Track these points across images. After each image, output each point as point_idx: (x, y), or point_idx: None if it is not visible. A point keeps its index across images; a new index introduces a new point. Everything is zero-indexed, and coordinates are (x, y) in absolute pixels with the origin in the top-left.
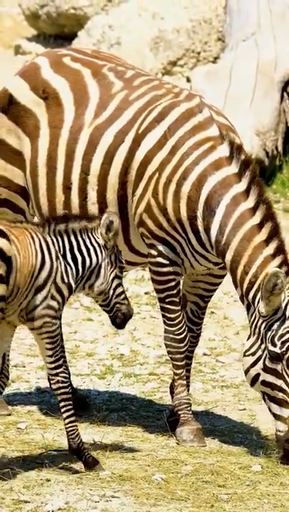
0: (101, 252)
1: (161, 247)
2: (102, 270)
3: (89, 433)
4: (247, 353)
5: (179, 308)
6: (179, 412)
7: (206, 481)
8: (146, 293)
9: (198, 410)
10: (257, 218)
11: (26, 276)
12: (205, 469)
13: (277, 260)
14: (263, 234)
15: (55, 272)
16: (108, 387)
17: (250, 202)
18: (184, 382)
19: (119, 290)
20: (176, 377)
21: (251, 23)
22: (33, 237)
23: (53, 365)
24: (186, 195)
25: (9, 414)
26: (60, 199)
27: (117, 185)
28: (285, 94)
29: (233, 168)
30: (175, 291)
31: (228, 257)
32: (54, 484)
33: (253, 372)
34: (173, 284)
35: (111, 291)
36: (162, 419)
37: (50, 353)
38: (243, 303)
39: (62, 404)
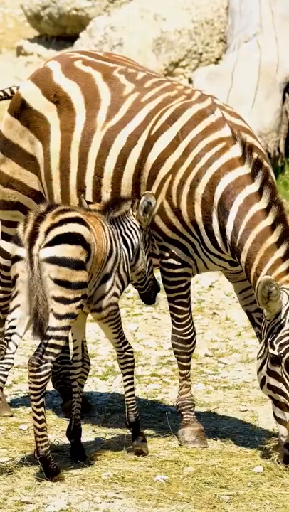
0: (139, 233)
1: (173, 249)
2: (140, 251)
3: (91, 434)
4: (257, 357)
5: (188, 309)
6: (182, 413)
7: (208, 482)
8: None
9: (200, 411)
10: (270, 219)
11: (99, 264)
12: (207, 470)
13: (287, 263)
14: (275, 236)
15: (119, 261)
16: (110, 388)
17: (263, 203)
18: (189, 382)
19: (151, 267)
20: (181, 378)
21: (253, 25)
22: (103, 226)
23: (120, 344)
24: (200, 197)
25: (11, 416)
26: (75, 202)
27: (130, 188)
28: (287, 95)
29: (246, 169)
30: (185, 292)
31: (243, 258)
32: (56, 485)
33: (260, 375)
34: (184, 285)
35: (147, 269)
36: (164, 420)
37: (116, 335)
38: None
39: (126, 377)
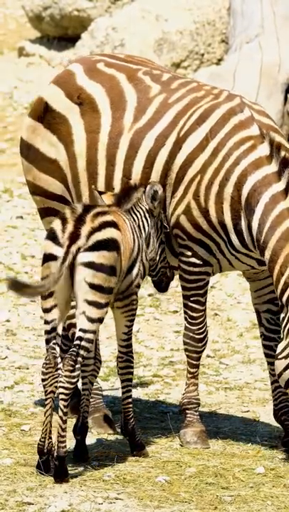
0: (150, 220)
1: (196, 248)
2: (151, 238)
3: (92, 434)
4: (279, 356)
5: (203, 308)
6: (187, 412)
7: (210, 483)
8: (149, 295)
9: (202, 412)
10: None
11: (128, 260)
12: (208, 471)
13: None
14: None
15: (141, 250)
16: (111, 389)
17: None
18: (197, 381)
19: (163, 255)
20: (189, 376)
21: (255, 25)
22: (124, 220)
23: (125, 343)
24: (229, 196)
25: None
26: None
27: None
28: (288, 96)
29: (273, 167)
30: (202, 291)
31: (267, 255)
32: (57, 486)
33: (286, 375)
34: (202, 283)
35: (157, 257)
36: (166, 421)
37: (126, 330)
38: (279, 303)
39: (124, 384)
